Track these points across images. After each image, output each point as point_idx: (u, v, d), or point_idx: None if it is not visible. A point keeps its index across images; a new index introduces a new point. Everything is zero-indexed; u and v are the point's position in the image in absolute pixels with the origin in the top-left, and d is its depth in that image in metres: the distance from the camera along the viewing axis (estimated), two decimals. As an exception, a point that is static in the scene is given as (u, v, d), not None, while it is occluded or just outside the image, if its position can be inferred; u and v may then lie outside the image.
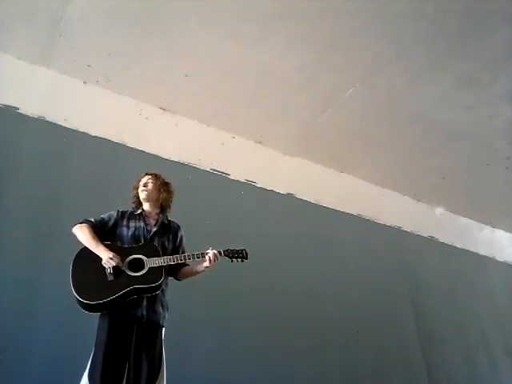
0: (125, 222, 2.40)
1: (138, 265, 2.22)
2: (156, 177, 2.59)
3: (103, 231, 2.35)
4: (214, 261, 2.31)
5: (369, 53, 3.59)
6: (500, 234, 6.65)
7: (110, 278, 2.14)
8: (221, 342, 3.53)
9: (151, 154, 3.99)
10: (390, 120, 4.37)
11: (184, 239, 2.54)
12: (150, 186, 2.53)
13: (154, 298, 2.24)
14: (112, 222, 2.38)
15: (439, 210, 5.95)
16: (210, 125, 4.41)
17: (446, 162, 4.99)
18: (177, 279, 2.49)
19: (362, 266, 4.85)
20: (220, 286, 3.50)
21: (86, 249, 2.23)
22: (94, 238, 2.25)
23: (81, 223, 2.32)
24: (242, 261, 2.40)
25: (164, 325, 2.29)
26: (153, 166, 3.86)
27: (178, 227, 2.54)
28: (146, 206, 2.52)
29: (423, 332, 4.91)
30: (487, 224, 6.46)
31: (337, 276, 4.57)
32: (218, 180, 4.33)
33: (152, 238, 2.40)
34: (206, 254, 2.32)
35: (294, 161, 4.88)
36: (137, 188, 2.56)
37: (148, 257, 2.24)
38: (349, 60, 3.66)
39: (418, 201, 5.76)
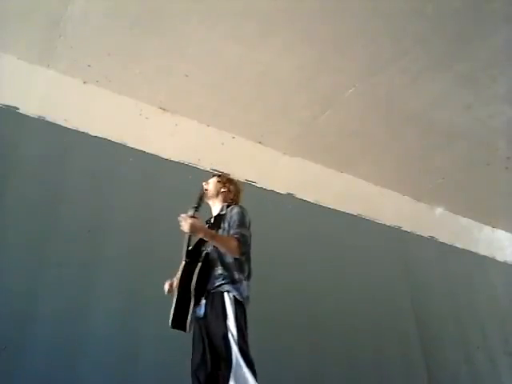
0: None
1: None
2: None
3: None
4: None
5: (369, 53, 3.58)
6: (500, 234, 6.65)
7: None
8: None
9: (151, 154, 3.99)
10: (389, 120, 4.36)
11: None
12: None
13: None
14: None
15: (439, 210, 5.95)
16: (210, 125, 4.40)
17: (445, 161, 4.98)
18: None
19: (362, 265, 4.84)
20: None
21: None
22: None
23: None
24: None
25: None
26: (153, 166, 3.93)
27: None
28: None
29: (423, 332, 4.91)
30: (487, 224, 6.45)
31: (336, 276, 4.57)
32: (217, 180, 4.32)
33: None
34: None
35: (293, 161, 4.88)
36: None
37: None
38: (349, 60, 3.66)
39: (418, 201, 5.75)
